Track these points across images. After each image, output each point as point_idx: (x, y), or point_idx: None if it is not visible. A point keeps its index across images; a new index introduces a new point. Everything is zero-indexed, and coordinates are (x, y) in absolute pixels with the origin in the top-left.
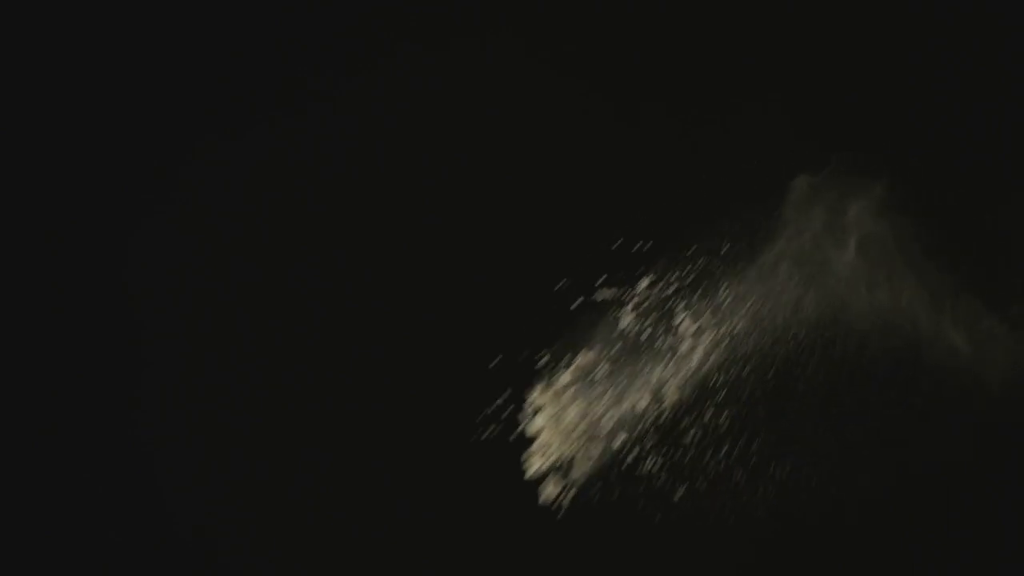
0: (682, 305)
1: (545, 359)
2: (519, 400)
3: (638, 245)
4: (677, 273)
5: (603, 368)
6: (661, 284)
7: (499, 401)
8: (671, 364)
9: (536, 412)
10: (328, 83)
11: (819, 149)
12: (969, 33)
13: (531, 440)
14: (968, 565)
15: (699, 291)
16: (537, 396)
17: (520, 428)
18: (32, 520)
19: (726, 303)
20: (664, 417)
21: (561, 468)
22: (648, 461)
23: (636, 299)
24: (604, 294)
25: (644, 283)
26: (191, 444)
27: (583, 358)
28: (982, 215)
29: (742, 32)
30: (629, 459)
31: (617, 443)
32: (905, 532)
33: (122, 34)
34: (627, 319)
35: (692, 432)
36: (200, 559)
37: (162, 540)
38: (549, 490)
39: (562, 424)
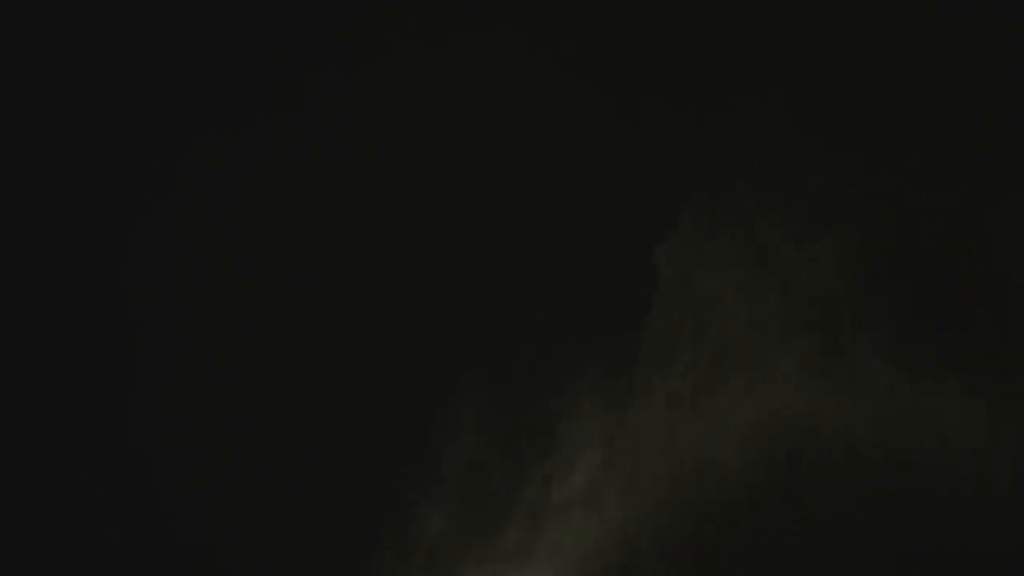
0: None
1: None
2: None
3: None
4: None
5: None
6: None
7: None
8: None
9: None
10: (328, 83)
11: (819, 149)
12: (969, 33)
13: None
14: None
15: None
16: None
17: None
18: (32, 520)
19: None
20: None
21: None
22: None
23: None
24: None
25: None
26: (191, 444)
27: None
28: (982, 215)
29: (742, 32)
30: None
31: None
32: None
33: (122, 34)
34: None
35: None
36: (200, 559)
37: (162, 540)
38: None
39: None
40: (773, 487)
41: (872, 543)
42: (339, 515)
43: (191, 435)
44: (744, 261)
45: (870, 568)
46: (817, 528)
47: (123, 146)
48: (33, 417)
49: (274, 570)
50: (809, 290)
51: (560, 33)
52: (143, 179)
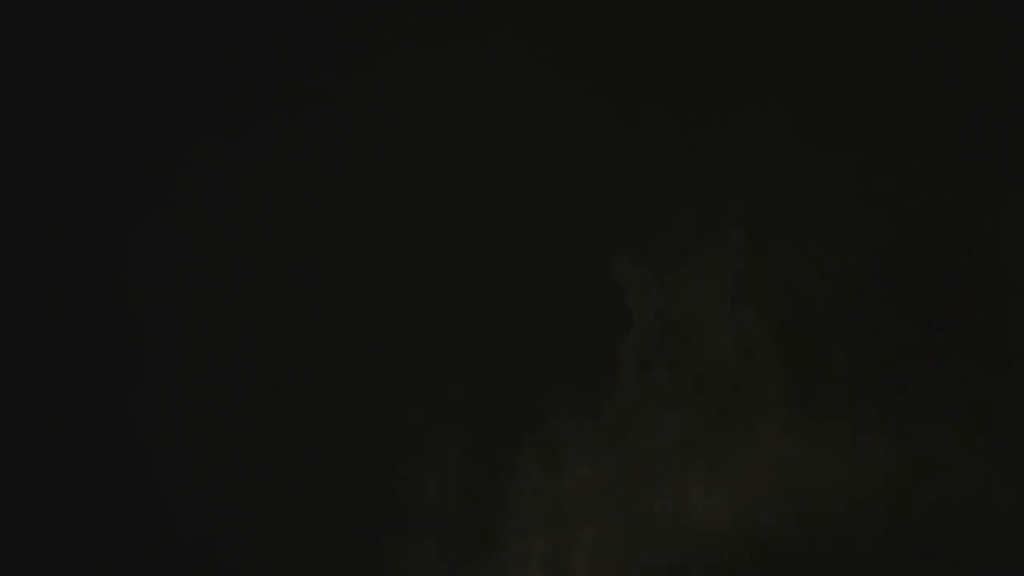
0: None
1: None
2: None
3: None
4: None
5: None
6: None
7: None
8: None
9: None
10: (328, 83)
11: (819, 149)
12: (969, 33)
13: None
14: None
15: None
16: None
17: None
18: (32, 520)
19: None
20: None
21: None
22: None
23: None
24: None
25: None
26: (191, 444)
27: None
28: (982, 215)
29: (742, 32)
30: None
31: None
32: None
33: (122, 34)
34: None
35: None
36: (200, 559)
37: (162, 540)
38: None
39: None
40: (759, 549)
41: None
42: (339, 515)
43: (191, 435)
44: (736, 272)
45: None
46: None
47: (123, 146)
48: (33, 417)
49: (274, 570)
50: (802, 309)
51: (560, 33)
52: (143, 179)
